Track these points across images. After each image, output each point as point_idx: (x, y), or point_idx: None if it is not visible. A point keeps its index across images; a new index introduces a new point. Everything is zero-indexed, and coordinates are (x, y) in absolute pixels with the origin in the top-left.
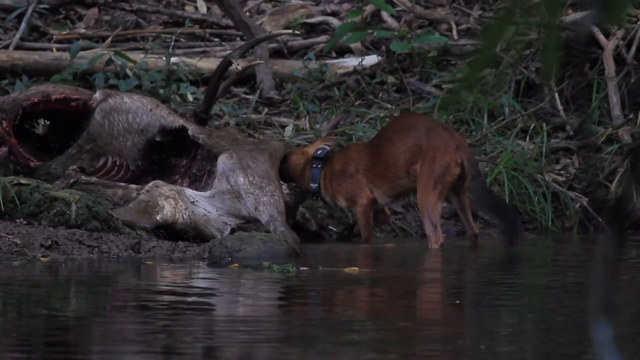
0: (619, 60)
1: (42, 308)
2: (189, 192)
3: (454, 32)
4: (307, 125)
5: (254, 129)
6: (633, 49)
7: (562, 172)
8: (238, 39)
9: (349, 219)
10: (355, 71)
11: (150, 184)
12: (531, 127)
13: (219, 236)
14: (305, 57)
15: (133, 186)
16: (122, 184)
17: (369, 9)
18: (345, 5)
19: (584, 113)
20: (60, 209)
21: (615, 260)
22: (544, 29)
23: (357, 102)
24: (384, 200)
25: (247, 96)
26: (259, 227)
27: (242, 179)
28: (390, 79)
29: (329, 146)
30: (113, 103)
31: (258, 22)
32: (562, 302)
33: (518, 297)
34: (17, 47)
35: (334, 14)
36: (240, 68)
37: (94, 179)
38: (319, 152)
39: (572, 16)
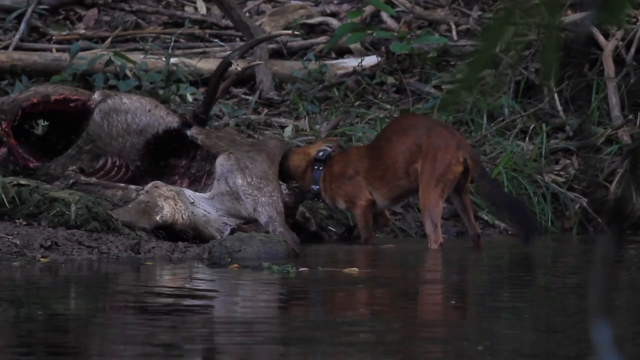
0: (619, 61)
1: (42, 309)
2: (189, 193)
3: (454, 32)
4: (307, 126)
5: (253, 130)
6: (632, 49)
7: (561, 172)
8: (238, 39)
9: (349, 220)
10: (354, 72)
11: (150, 184)
12: (531, 127)
13: (219, 237)
14: (304, 58)
15: (132, 187)
16: (121, 184)
17: (368, 9)
18: (345, 6)
19: (583, 114)
20: (59, 210)
21: (615, 261)
22: (544, 29)
23: (356, 103)
24: (383, 202)
25: (247, 97)
26: (258, 228)
27: (240, 180)
28: (390, 79)
29: (330, 148)
30: (112, 104)
31: (257, 23)
32: (561, 302)
33: (518, 297)
34: (17, 48)
35: (333, 14)
36: (239, 69)
37: (93, 179)
38: (321, 153)
39: (571, 17)
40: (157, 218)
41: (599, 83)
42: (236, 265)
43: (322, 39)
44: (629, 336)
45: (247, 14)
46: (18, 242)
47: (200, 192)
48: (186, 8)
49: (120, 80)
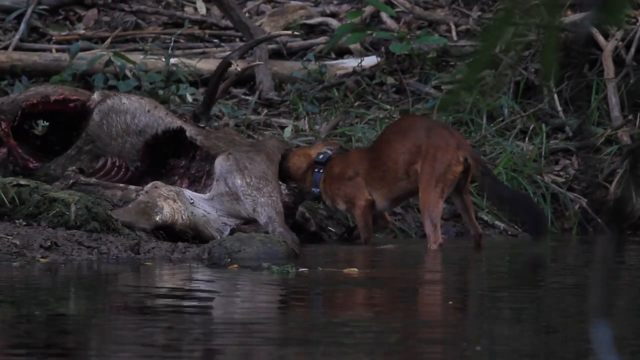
0: (618, 61)
1: (41, 309)
2: (188, 193)
3: (453, 33)
4: (307, 126)
5: (253, 130)
6: (632, 50)
7: (561, 173)
8: (237, 40)
9: (349, 221)
10: (354, 72)
11: (150, 185)
12: (530, 128)
13: (219, 237)
14: (304, 58)
15: (132, 187)
16: (121, 185)
17: (368, 10)
18: (345, 6)
19: (583, 114)
20: (59, 210)
21: (615, 261)
22: (543, 30)
23: (356, 103)
24: (382, 204)
25: (247, 97)
26: (258, 228)
27: (239, 181)
28: (390, 80)
29: (331, 150)
30: (111, 104)
31: (257, 23)
32: (561, 302)
33: (518, 297)
34: (17, 48)
35: (333, 15)
36: (239, 69)
37: (93, 180)
38: (321, 156)
39: (571, 17)
40: (157, 218)
41: (598, 83)
42: (236, 265)
43: (322, 39)
44: (629, 336)
45: (246, 15)
46: (18, 243)
47: (199, 193)
48: (186, 8)
49: (119, 80)
